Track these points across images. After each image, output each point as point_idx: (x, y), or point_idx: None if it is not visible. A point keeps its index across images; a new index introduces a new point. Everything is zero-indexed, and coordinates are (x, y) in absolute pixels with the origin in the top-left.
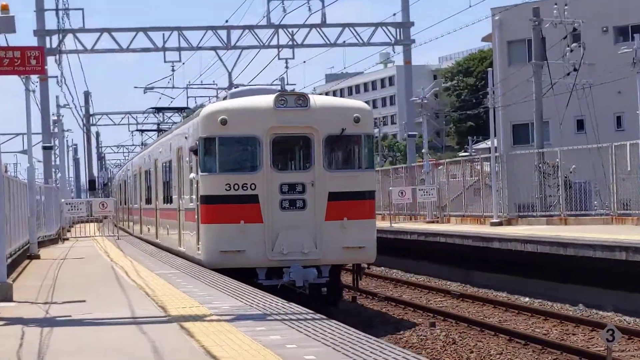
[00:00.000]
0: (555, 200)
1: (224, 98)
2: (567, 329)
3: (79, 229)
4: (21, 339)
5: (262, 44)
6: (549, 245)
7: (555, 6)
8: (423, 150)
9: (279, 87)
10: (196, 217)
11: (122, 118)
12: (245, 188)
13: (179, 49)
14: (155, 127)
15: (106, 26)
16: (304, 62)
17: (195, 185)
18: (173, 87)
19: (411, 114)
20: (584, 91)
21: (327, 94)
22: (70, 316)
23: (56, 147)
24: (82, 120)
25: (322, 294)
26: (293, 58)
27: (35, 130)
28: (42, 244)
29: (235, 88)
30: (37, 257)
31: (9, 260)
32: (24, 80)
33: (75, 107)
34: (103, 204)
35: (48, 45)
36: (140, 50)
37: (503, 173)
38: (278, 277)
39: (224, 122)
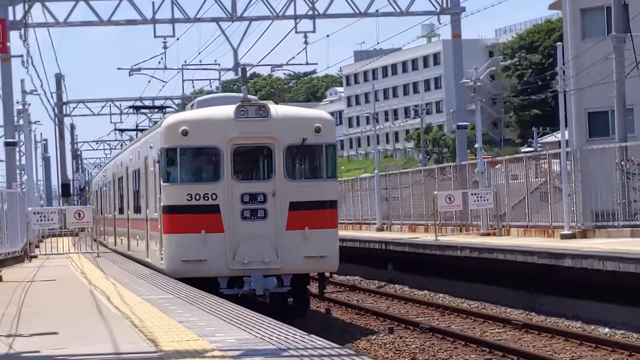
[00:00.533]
0: None
1: (192, 106)
2: None
3: (50, 245)
4: None
5: (275, 14)
6: (634, 263)
7: None
8: (476, 145)
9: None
10: (159, 227)
11: (103, 107)
12: (206, 198)
13: (173, 21)
14: (138, 124)
15: None
16: (328, 36)
17: (158, 195)
18: (165, 69)
19: (461, 100)
20: None
21: (356, 75)
22: (39, 352)
23: (21, 143)
24: (54, 110)
25: (289, 304)
26: (314, 31)
27: None
28: (3, 263)
29: (207, 95)
30: None
31: None
32: None
33: (45, 93)
34: (79, 214)
35: (10, 18)
36: (125, 22)
37: (576, 173)
38: (239, 287)
39: (185, 133)
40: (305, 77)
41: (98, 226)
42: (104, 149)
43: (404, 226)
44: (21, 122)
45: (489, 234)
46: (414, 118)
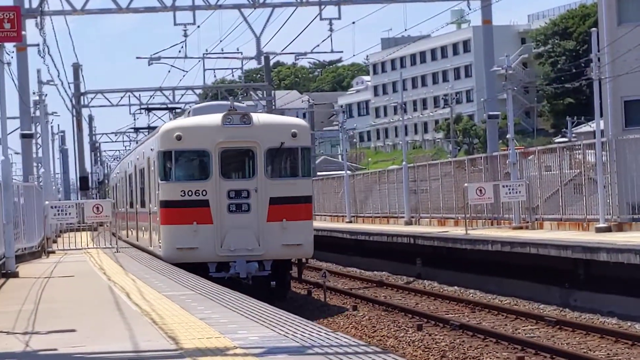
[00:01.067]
0: None
1: (188, 113)
2: None
3: (68, 240)
4: None
5: (299, 0)
6: None
7: None
8: (508, 136)
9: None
10: (157, 219)
11: (122, 97)
12: (197, 194)
13: (193, 8)
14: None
15: None
16: (353, 23)
17: (157, 192)
18: (186, 57)
19: (492, 88)
20: None
21: (383, 63)
22: (56, 350)
23: (38, 135)
24: (71, 101)
25: (272, 287)
26: (339, 18)
27: (12, 114)
28: (21, 258)
29: (201, 103)
30: (15, 275)
31: None
32: None
33: (62, 83)
34: (97, 208)
35: (26, 5)
36: (144, 10)
37: (612, 164)
38: (226, 271)
39: (179, 138)
40: (331, 66)
41: (117, 220)
42: (123, 141)
43: (433, 220)
44: (38, 113)
45: (521, 228)
46: (444, 108)
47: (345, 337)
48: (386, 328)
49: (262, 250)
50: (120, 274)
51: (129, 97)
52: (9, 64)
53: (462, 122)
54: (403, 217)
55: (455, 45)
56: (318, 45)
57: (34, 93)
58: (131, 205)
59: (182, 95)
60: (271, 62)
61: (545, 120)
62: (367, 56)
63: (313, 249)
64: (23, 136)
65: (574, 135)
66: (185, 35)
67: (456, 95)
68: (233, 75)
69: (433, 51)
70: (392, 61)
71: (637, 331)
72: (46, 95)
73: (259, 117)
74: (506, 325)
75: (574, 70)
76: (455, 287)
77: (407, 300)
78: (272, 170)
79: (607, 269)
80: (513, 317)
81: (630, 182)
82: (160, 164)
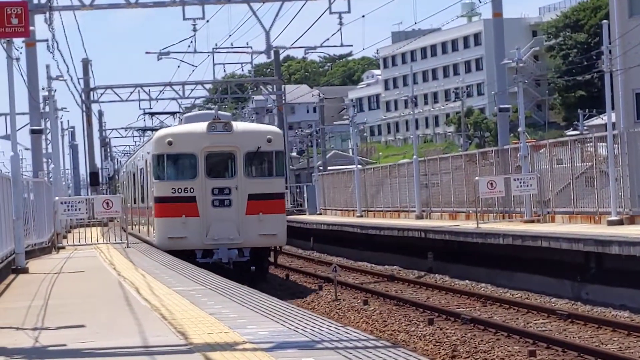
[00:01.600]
0: None
1: (180, 121)
2: None
3: (78, 235)
4: None
5: None
6: None
7: None
8: (519, 129)
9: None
10: (152, 212)
11: (131, 92)
12: (186, 191)
13: (202, 2)
14: (167, 109)
15: None
16: (363, 16)
17: (152, 189)
18: (195, 52)
19: (503, 81)
20: None
21: (393, 57)
22: (65, 345)
23: (48, 131)
24: (81, 96)
25: (252, 271)
26: (349, 11)
27: (21, 110)
28: (31, 254)
29: (193, 111)
30: (25, 270)
31: None
32: (4, 45)
33: (72, 79)
34: (107, 203)
35: (35, 1)
36: (153, 4)
37: (623, 156)
38: (210, 257)
39: (170, 143)
40: (341, 60)
41: (127, 216)
42: (133, 136)
43: (444, 214)
44: (47, 109)
45: (532, 221)
46: (455, 101)
47: (355, 332)
48: (397, 322)
49: (241, 239)
50: (130, 269)
51: (139, 92)
52: (17, 59)
53: (473, 115)
54: (414, 211)
55: (466, 38)
56: (328, 39)
57: (43, 89)
58: (134, 201)
59: (192, 90)
60: (281, 57)
61: (556, 113)
62: (378, 50)
63: (286, 238)
64: (33, 132)
65: (585, 128)
66: (195, 30)
67: (467, 89)
68: (243, 70)
69: (444, 44)
70: (403, 55)
71: None
72: (55, 90)
73: (238, 125)
74: (517, 319)
75: (585, 63)
76: (467, 281)
77: (418, 294)
78: (250, 170)
79: (619, 262)
80: (524, 311)
81: None
82: (154, 165)
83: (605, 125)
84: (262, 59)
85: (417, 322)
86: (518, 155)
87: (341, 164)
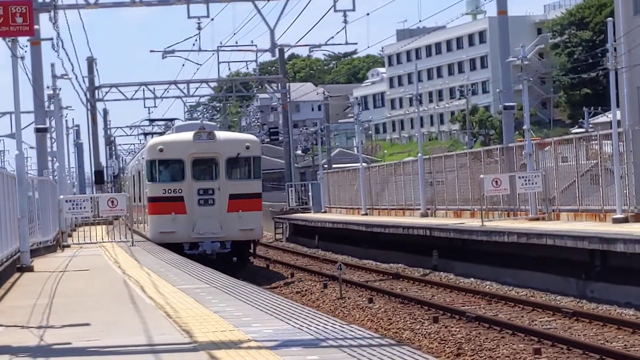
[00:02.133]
0: None
1: (172, 130)
2: None
3: (83, 234)
4: None
5: None
6: None
7: None
8: (524, 127)
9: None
10: (146, 210)
11: (136, 91)
12: (175, 192)
13: (207, 1)
14: (167, 115)
15: None
16: (368, 14)
17: (146, 190)
18: (200, 50)
19: (508, 79)
20: None
21: (398, 55)
22: (70, 344)
23: (53, 129)
24: (86, 95)
25: (234, 262)
26: (354, 9)
27: (26, 108)
28: (36, 252)
29: (185, 120)
30: (30, 269)
31: None
32: (8, 43)
33: (77, 77)
34: (112, 201)
35: None
36: (157, 3)
37: (628, 154)
38: (196, 249)
39: (161, 150)
40: (346, 58)
41: (132, 214)
42: (138, 135)
43: (449, 212)
44: (52, 107)
45: (537, 219)
46: (459, 99)
47: (360, 330)
48: (402, 320)
49: (223, 234)
50: (135, 267)
51: (144, 90)
52: (22, 58)
53: (478, 113)
54: (419, 209)
55: (470, 36)
56: (332, 37)
57: (48, 87)
58: (134, 200)
59: (197, 88)
60: (286, 55)
61: (561, 110)
62: (382, 48)
63: (262, 232)
64: (37, 130)
65: (590, 125)
66: (199, 28)
67: (472, 87)
68: (247, 68)
69: (448, 42)
70: (408, 52)
71: None
72: (60, 89)
73: (220, 134)
74: (522, 317)
75: (590, 61)
76: (472, 279)
77: (423, 292)
78: (230, 173)
79: (624, 259)
80: (529, 309)
81: None
82: (147, 169)
83: (611, 122)
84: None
85: (422, 320)
86: (523, 153)
87: (346, 161)
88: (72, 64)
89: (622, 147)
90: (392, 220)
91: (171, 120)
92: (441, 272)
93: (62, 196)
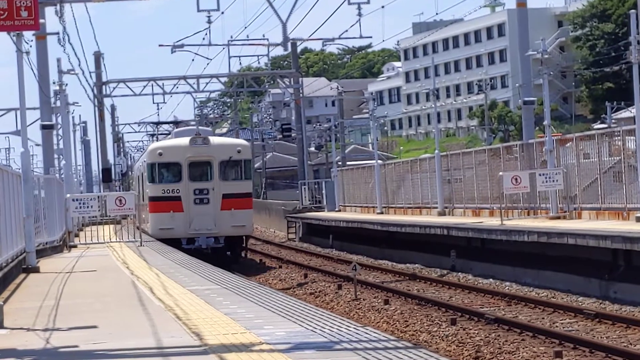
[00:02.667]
0: None
1: (171, 135)
2: None
3: (91, 233)
4: None
5: None
6: None
7: None
8: (545, 122)
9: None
10: (147, 209)
11: (145, 86)
12: (173, 192)
13: None
14: (176, 112)
15: None
16: (383, 7)
17: (147, 190)
18: (210, 45)
19: (528, 73)
20: None
21: (414, 49)
22: (77, 347)
23: (59, 126)
24: (93, 90)
25: (227, 255)
26: (368, 2)
27: (31, 105)
28: (42, 253)
29: (182, 126)
30: (36, 270)
31: None
32: (13, 38)
33: (84, 72)
34: (120, 200)
35: None
36: None
37: None
38: (192, 244)
39: (160, 154)
40: (360, 52)
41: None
42: (147, 132)
43: (467, 210)
44: (58, 103)
45: (558, 218)
46: (478, 94)
47: (375, 332)
48: (419, 322)
49: (217, 230)
50: (143, 268)
51: (152, 86)
52: (27, 53)
53: (497, 108)
54: (436, 207)
55: (489, 29)
56: (346, 31)
57: (54, 83)
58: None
59: (207, 83)
60: (298, 49)
61: (583, 105)
62: (398, 41)
63: (253, 229)
64: (43, 127)
65: (613, 121)
66: (209, 22)
67: (490, 81)
68: (259, 63)
69: (466, 35)
70: (424, 46)
71: None
72: (67, 85)
73: (214, 139)
74: (543, 318)
75: (613, 54)
76: (491, 280)
77: (440, 293)
78: (223, 175)
79: None
80: (550, 311)
81: None
82: (148, 171)
83: (634, 118)
84: (278, 51)
85: (440, 322)
86: (543, 149)
87: (361, 159)
88: (78, 59)
89: None
90: (408, 219)
91: (176, 123)
92: (459, 273)
93: (68, 195)
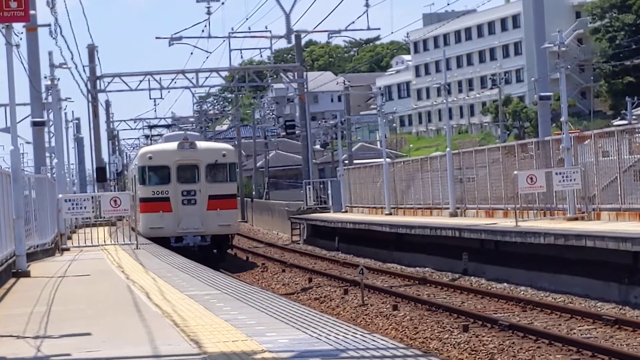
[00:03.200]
0: None
1: (161, 140)
2: None
3: (84, 236)
4: None
5: None
6: None
7: None
8: (562, 119)
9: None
10: (138, 209)
11: (141, 81)
12: (162, 193)
13: None
14: (174, 109)
15: None
16: None
17: (138, 192)
18: (209, 37)
19: (544, 67)
20: None
21: (425, 41)
22: (69, 355)
23: (51, 123)
24: (86, 85)
25: (214, 253)
26: None
27: (22, 100)
28: (32, 256)
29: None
30: (26, 274)
31: None
32: (2, 30)
33: (77, 66)
34: (115, 201)
35: None
36: None
37: None
38: (181, 242)
39: (150, 158)
40: (368, 44)
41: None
42: (143, 128)
43: (480, 211)
44: (50, 99)
45: (576, 219)
46: (491, 88)
47: (383, 339)
48: (429, 329)
49: (204, 229)
50: (139, 272)
51: (149, 80)
52: (17, 46)
53: (512, 104)
54: (447, 208)
55: (503, 21)
56: (353, 22)
57: (45, 77)
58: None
59: (207, 78)
60: (303, 41)
61: (602, 101)
62: (408, 33)
63: (238, 228)
64: (34, 124)
65: (634, 117)
66: (209, 13)
67: (505, 75)
68: (261, 56)
69: (479, 27)
70: (435, 38)
71: None
72: (59, 79)
73: (200, 144)
74: (560, 325)
75: (633, 46)
76: (505, 284)
77: (452, 298)
78: (210, 177)
79: None
80: (567, 317)
81: None
82: (139, 174)
83: None
84: (282, 44)
85: (451, 329)
86: (560, 147)
87: (368, 157)
88: (71, 52)
89: None
90: (418, 220)
91: (169, 125)
92: (472, 277)
93: (61, 195)
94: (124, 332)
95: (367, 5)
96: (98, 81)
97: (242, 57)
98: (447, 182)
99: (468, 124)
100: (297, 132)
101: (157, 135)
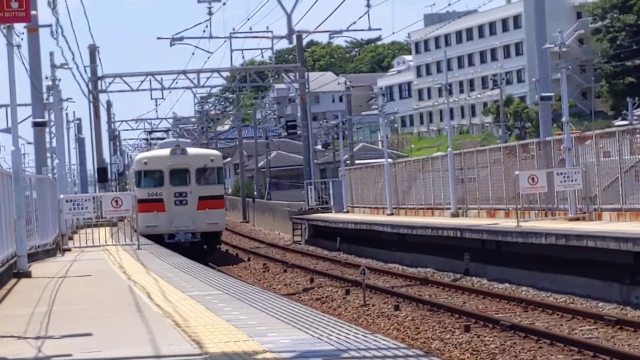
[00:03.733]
0: None
1: (157, 146)
2: None
3: (85, 236)
4: None
5: None
6: None
7: None
8: (563, 119)
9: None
10: (136, 210)
11: (142, 81)
12: (156, 195)
13: None
14: (175, 109)
15: None
16: None
17: (135, 194)
18: (211, 37)
19: (545, 67)
20: None
21: (426, 42)
22: (70, 355)
23: (52, 123)
24: (88, 86)
25: (204, 249)
26: None
27: (23, 101)
28: (34, 257)
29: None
30: (27, 275)
31: None
32: (3, 31)
33: (78, 67)
34: (117, 201)
35: None
36: None
37: None
38: (173, 239)
39: (145, 163)
40: (369, 45)
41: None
42: (144, 129)
43: (481, 211)
44: (51, 99)
45: (577, 219)
46: (493, 89)
47: (385, 340)
48: (431, 329)
49: (194, 226)
50: (141, 272)
51: (150, 81)
52: (19, 46)
53: (513, 104)
54: (449, 208)
55: (504, 21)
56: (355, 23)
57: (46, 78)
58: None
59: (208, 78)
60: (304, 42)
61: (603, 101)
62: (409, 34)
63: (225, 225)
64: (35, 124)
65: (635, 117)
66: (210, 14)
67: (506, 76)
68: (263, 56)
69: (481, 27)
70: (436, 39)
71: None
72: (60, 80)
73: (191, 150)
74: (562, 325)
75: (634, 47)
76: (506, 285)
77: (453, 299)
78: (199, 180)
79: None
80: (569, 317)
81: None
82: (136, 178)
83: None
84: (283, 44)
85: (453, 329)
86: (561, 147)
87: (370, 157)
88: (72, 53)
89: None
90: (420, 220)
91: (168, 131)
92: (473, 277)
93: (62, 196)
94: (126, 332)
95: (368, 5)
96: (99, 81)
97: (243, 57)
98: (448, 182)
99: (469, 124)
100: (298, 132)
101: (157, 138)
